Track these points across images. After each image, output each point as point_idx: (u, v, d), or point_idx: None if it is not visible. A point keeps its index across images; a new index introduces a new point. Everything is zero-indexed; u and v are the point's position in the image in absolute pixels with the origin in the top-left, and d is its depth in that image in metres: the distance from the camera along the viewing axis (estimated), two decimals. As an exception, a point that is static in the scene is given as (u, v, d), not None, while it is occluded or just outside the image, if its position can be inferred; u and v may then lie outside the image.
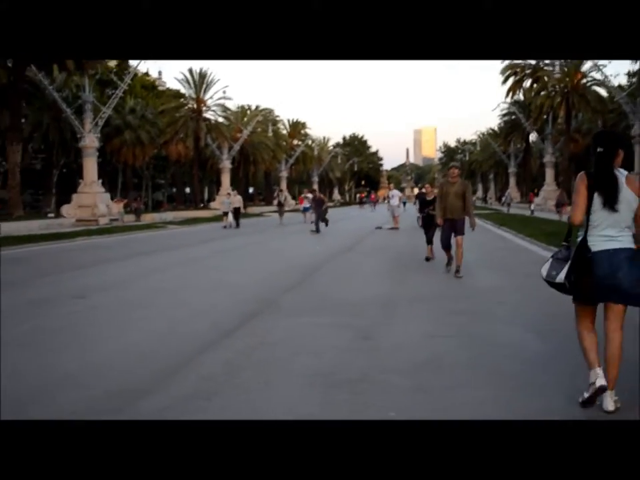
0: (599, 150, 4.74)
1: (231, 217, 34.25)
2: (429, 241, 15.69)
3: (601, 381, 4.59)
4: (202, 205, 67.18)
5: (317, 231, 27.21)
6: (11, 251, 19.85)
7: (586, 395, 4.73)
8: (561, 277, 4.80)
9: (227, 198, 36.57)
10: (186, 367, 6.21)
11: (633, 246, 4.71)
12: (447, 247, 12.95)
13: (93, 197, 40.84)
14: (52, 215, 44.98)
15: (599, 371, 4.67)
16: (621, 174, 4.73)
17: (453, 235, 12.70)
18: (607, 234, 4.71)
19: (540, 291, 6.90)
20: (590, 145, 5.13)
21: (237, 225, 33.68)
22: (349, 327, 7.99)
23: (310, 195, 39.53)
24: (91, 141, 41.77)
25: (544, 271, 4.97)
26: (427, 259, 15.43)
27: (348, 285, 11.71)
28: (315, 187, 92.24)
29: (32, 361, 6.50)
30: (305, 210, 36.85)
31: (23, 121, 50.07)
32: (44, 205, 56.39)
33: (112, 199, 53.48)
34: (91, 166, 42.17)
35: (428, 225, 15.89)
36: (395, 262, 15.70)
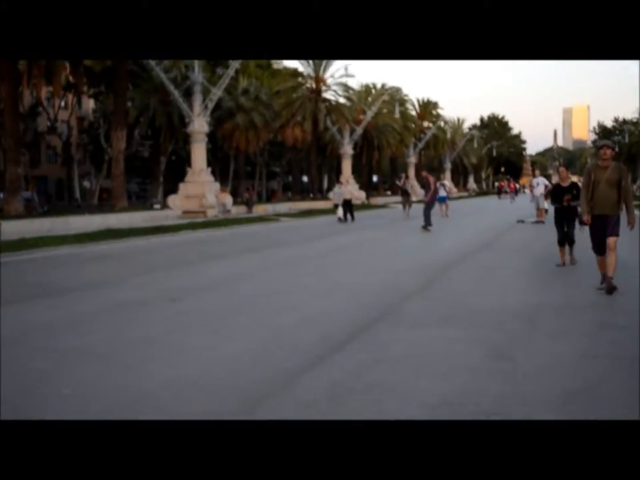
0: None
1: (340, 210, 33.14)
2: (563, 241, 13.86)
3: None
4: (320, 195, 67.40)
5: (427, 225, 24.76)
6: (110, 245, 20.31)
7: None
8: None
9: (339, 187, 36.12)
10: (284, 390, 5.81)
11: None
12: (600, 250, 10.73)
13: (201, 187, 41.59)
14: (158, 206, 46.23)
15: None
16: None
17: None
18: None
19: None
20: None
21: (352, 217, 32.82)
22: (484, 343, 7.40)
23: (444, 182, 39.51)
24: (199, 125, 42.53)
25: None
26: (559, 266, 13.66)
27: (483, 291, 11.04)
28: (448, 174, 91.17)
29: (105, 377, 6.30)
30: (441, 200, 35.13)
31: (128, 105, 51.93)
32: (151, 195, 58.20)
33: (222, 188, 54.79)
34: (199, 153, 42.97)
35: (564, 219, 13.95)
36: (540, 263, 14.82)
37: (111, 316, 9.22)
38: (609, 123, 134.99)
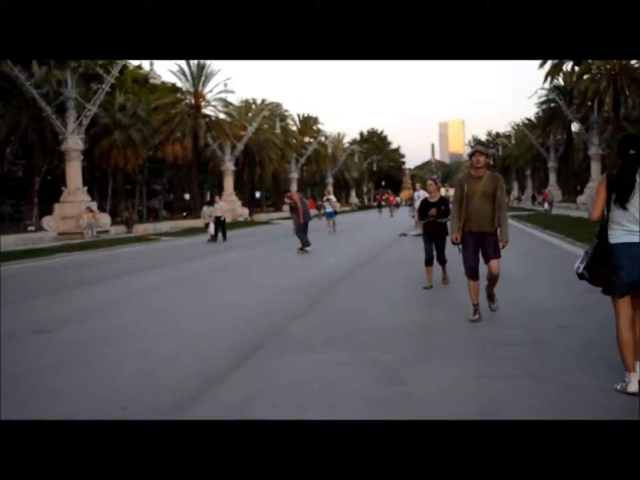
0: (631, 152, 5.58)
1: (212, 227, 31.03)
2: (430, 261, 12.76)
3: (633, 387, 5.56)
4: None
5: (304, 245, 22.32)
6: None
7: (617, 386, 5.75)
8: (578, 266, 5.92)
9: (208, 206, 34.17)
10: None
11: None
12: (474, 274, 9.28)
13: (77, 207, 39.98)
14: (32, 227, 44.33)
15: (634, 375, 5.62)
16: None
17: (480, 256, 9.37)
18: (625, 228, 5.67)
19: (606, 309, 6.23)
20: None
21: (224, 236, 30.87)
22: (372, 366, 7.04)
23: (330, 197, 38.98)
24: (74, 142, 40.98)
25: (575, 265, 5.99)
26: (426, 288, 12.44)
27: (369, 309, 10.71)
28: (330, 188, 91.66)
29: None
30: (328, 216, 35.35)
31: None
32: (25, 217, 55.87)
33: (101, 208, 53.08)
34: (74, 171, 41.37)
35: (432, 237, 12.88)
36: (422, 277, 14.68)
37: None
38: (483, 137, 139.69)
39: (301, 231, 22.23)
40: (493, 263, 9.21)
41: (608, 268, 5.68)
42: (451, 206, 10.21)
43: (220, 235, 30.75)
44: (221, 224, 30.96)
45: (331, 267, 17.55)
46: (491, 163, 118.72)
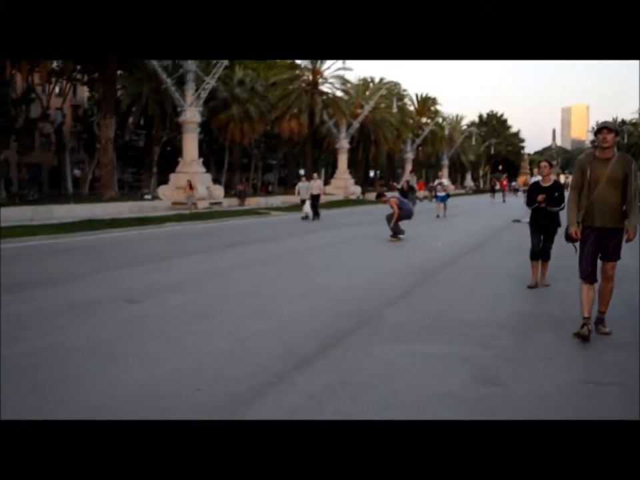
0: None
1: (307, 205, 30.05)
2: (537, 255, 11.15)
3: None
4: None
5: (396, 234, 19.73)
6: (86, 236, 19.33)
7: None
8: None
9: (304, 182, 33.03)
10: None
11: None
12: (591, 277, 7.60)
13: (192, 178, 40.54)
14: (149, 196, 45.28)
15: None
16: None
17: (599, 256, 7.68)
18: None
19: None
20: None
21: (316, 214, 29.68)
22: (468, 362, 6.47)
23: (443, 180, 37.20)
24: (191, 115, 41.57)
25: None
26: (531, 287, 10.96)
27: (471, 298, 10.08)
28: (445, 171, 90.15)
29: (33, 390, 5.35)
30: (440, 200, 32.84)
31: (120, 93, 50.86)
32: (143, 185, 57.26)
33: (217, 180, 53.81)
34: (190, 143, 41.99)
35: (541, 227, 11.20)
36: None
37: (57, 319, 8.25)
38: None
39: (395, 221, 19.54)
40: (608, 265, 7.62)
41: None
42: (567, 193, 8.80)
43: (310, 212, 29.77)
44: (316, 202, 29.96)
45: (437, 251, 16.89)
46: (619, 136, 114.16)
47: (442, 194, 32.80)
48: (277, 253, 16.44)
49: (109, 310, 8.86)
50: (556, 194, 10.94)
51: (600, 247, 7.55)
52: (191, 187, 38.53)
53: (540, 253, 11.09)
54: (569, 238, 7.86)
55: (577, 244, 7.82)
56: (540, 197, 10.91)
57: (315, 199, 29.92)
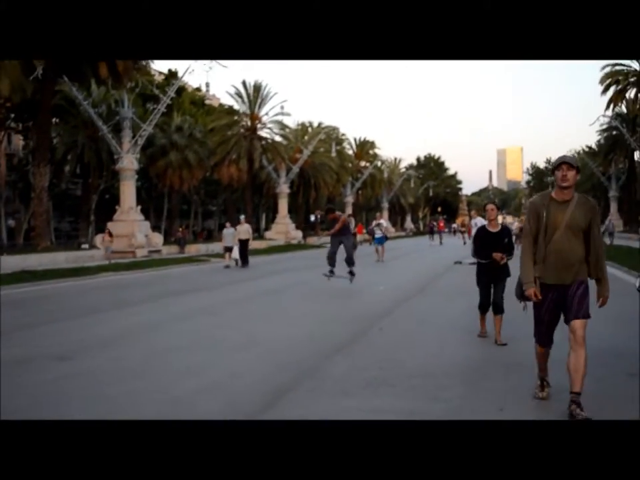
0: None
1: (236, 251, 28.45)
2: (486, 306, 10.10)
3: None
4: (256, 235, 66.12)
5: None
6: (13, 290, 18.51)
7: None
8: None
9: (229, 228, 30.34)
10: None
11: None
12: (547, 341, 6.61)
13: (130, 226, 39.82)
14: (86, 246, 44.25)
15: None
16: None
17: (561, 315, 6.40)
18: None
19: None
20: None
21: (244, 262, 28.39)
22: (417, 417, 6.05)
23: (381, 222, 35.55)
24: (129, 162, 40.92)
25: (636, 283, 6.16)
26: (481, 337, 10.18)
27: (419, 345, 9.72)
28: (385, 213, 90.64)
29: None
30: (378, 242, 31.91)
31: (56, 141, 49.92)
32: (81, 235, 56.12)
33: (157, 227, 52.94)
34: (128, 190, 41.27)
35: (490, 277, 9.95)
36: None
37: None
38: (541, 164, 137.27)
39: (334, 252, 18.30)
40: (577, 323, 6.05)
41: None
42: (515, 240, 7.98)
43: (238, 259, 28.50)
44: (244, 248, 28.52)
45: (378, 296, 16.51)
46: (579, 170, 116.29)
47: (379, 235, 31.97)
48: (216, 302, 15.89)
49: (36, 368, 8.25)
50: (506, 240, 9.83)
51: (560, 306, 6.27)
52: (110, 234, 36.44)
53: (489, 305, 10.03)
54: (523, 297, 6.51)
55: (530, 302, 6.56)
56: (496, 255, 9.61)
57: (243, 244, 28.43)
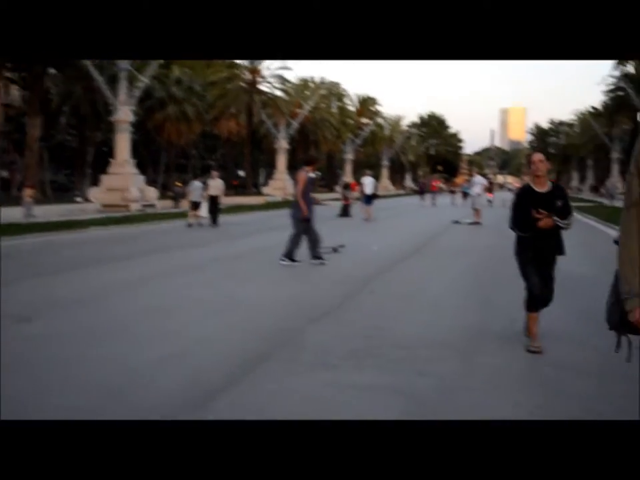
0: None
1: (204, 209, 25.58)
2: (537, 303, 7.08)
3: None
4: (255, 190, 65.38)
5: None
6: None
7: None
8: None
9: (198, 181, 27.26)
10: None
11: None
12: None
13: (124, 179, 38.84)
14: (80, 199, 43.48)
15: None
16: None
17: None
18: None
19: None
20: None
21: (214, 221, 25.27)
22: (403, 395, 5.38)
23: (367, 179, 31.86)
24: (124, 114, 39.81)
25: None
26: (532, 351, 6.86)
27: (409, 312, 9.00)
28: (385, 171, 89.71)
29: None
30: (367, 201, 30.21)
31: (52, 91, 48.87)
32: (77, 187, 55.38)
33: (152, 181, 52.13)
34: (123, 143, 40.24)
35: (539, 259, 7.03)
36: (479, 272, 12.89)
37: None
38: (545, 125, 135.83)
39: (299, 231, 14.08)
40: None
41: None
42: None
43: (208, 217, 25.54)
44: (215, 205, 25.38)
45: (372, 257, 15.73)
46: (552, 151, 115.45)
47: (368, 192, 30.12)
48: (203, 259, 15.09)
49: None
50: (559, 202, 7.00)
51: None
52: (31, 188, 30.83)
53: (548, 298, 7.12)
54: (624, 325, 3.36)
55: None
56: (543, 217, 6.82)
57: (213, 201, 25.29)
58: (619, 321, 3.37)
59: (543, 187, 7.01)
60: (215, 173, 26.97)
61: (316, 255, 13.80)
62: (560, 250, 7.12)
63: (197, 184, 26.45)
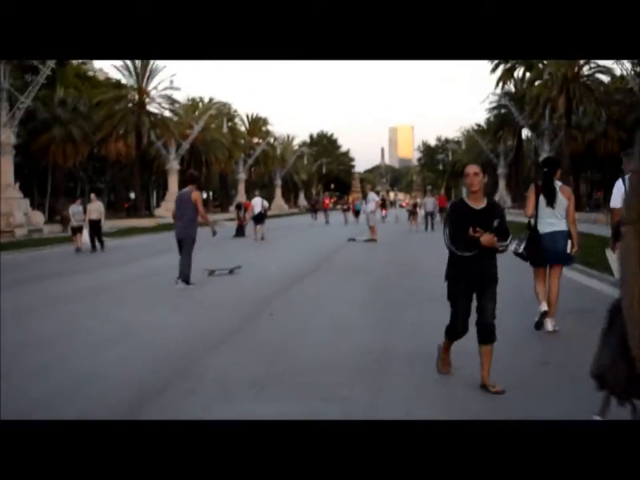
0: (545, 170, 8.62)
1: (86, 234, 24.04)
2: (460, 328, 6.37)
3: (543, 307, 8.51)
4: (147, 212, 64.24)
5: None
6: None
7: (536, 319, 8.60)
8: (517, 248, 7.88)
9: (77, 204, 25.87)
10: None
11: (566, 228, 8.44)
12: None
13: (7, 204, 37.29)
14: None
15: (544, 303, 8.52)
16: (557, 184, 8.52)
17: None
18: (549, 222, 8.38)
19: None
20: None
21: (94, 246, 23.97)
22: (315, 418, 5.06)
23: (256, 199, 31.60)
24: (6, 136, 38.37)
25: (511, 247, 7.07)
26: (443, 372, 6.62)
27: (311, 335, 8.73)
28: (278, 191, 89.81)
29: None
30: (257, 221, 29.91)
31: None
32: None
33: (39, 205, 50.42)
34: (6, 166, 38.70)
35: (470, 280, 6.23)
36: (379, 290, 12.76)
37: None
38: (432, 142, 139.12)
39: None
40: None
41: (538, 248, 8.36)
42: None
43: (88, 242, 24.04)
44: (96, 229, 24.17)
45: (270, 277, 15.40)
46: (440, 168, 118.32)
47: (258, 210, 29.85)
48: (92, 286, 14.39)
49: None
50: (496, 222, 6.21)
51: None
52: None
53: (467, 326, 6.37)
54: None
55: None
56: (483, 238, 5.97)
57: (94, 225, 24.05)
58: (624, 381, 2.56)
59: (478, 203, 6.29)
60: (93, 196, 26.04)
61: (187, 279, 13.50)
62: (494, 276, 6.32)
63: (76, 208, 25.15)
